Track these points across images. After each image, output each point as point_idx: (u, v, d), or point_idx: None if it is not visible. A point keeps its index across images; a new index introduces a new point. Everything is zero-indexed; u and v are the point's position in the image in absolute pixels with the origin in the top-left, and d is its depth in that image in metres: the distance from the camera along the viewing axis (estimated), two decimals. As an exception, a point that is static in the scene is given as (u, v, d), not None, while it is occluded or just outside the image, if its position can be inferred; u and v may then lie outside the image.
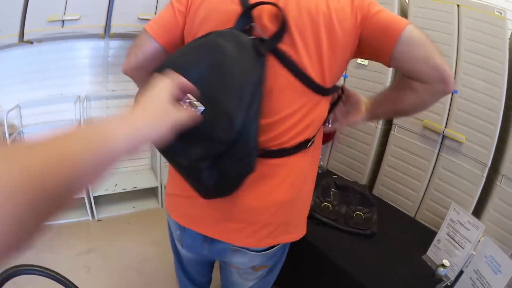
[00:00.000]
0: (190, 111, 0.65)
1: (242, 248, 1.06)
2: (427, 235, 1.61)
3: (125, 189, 2.93)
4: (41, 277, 1.10)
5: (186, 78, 0.66)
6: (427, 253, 1.53)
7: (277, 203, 1.01)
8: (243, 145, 0.82)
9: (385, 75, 1.93)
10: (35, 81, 2.65)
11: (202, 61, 0.82)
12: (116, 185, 2.93)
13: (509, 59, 1.51)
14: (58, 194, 0.41)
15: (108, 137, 0.49)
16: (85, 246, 2.57)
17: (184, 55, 0.85)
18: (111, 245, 2.61)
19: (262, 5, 0.87)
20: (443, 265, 1.39)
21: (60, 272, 2.24)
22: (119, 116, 0.55)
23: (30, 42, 2.45)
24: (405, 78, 0.96)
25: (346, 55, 0.96)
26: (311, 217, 1.68)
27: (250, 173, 0.88)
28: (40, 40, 2.47)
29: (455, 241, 1.43)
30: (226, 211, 1.00)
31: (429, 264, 1.50)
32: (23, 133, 2.73)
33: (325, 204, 1.73)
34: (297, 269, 1.66)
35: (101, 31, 2.46)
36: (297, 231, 1.15)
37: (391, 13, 0.93)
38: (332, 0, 0.90)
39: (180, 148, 0.79)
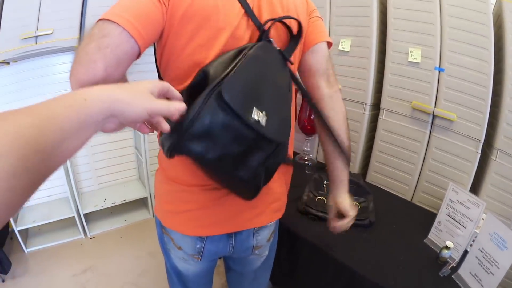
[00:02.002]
0: (170, 104, 0.64)
1: (262, 226, 1.14)
2: (427, 218, 1.56)
3: (115, 202, 2.86)
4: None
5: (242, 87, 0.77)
6: (429, 236, 1.49)
7: (288, 184, 1.21)
8: (285, 144, 0.88)
9: (368, 60, 1.88)
10: (15, 102, 2.56)
11: (253, 70, 0.83)
12: (105, 199, 2.86)
13: (494, 33, 1.47)
14: (49, 153, 0.45)
15: (88, 98, 0.52)
16: (81, 265, 2.50)
17: (238, 72, 0.80)
18: (107, 262, 2.54)
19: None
20: (446, 247, 1.34)
21: None
22: (98, 86, 0.57)
23: (6, 62, 2.38)
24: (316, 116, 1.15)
25: None
26: (306, 213, 1.62)
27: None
28: (15, 60, 2.40)
29: (456, 221, 1.39)
30: (248, 202, 1.01)
31: (432, 247, 1.46)
32: None
33: (319, 198, 1.67)
34: (296, 267, 1.60)
35: (76, 44, 2.39)
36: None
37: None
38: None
39: (239, 162, 0.80)
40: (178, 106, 0.64)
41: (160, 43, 0.88)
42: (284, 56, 0.92)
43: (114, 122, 0.57)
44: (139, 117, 0.58)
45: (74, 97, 0.51)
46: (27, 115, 0.44)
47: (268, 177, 0.88)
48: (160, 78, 0.94)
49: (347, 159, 1.12)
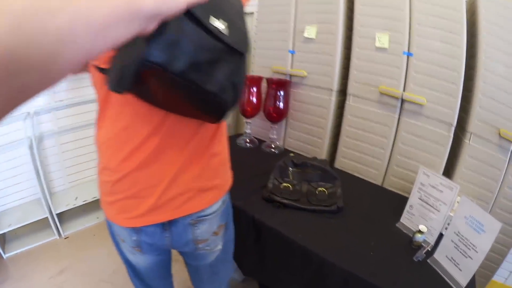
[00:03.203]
0: None
1: (200, 216, 1.04)
2: (399, 202, 1.49)
3: (86, 200, 2.72)
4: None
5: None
6: (401, 220, 1.42)
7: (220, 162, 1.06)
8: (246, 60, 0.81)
9: (334, 46, 1.78)
10: None
11: None
12: (76, 198, 2.71)
13: (468, 19, 1.41)
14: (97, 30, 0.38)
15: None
16: (57, 267, 2.37)
17: None
18: (82, 262, 2.43)
19: None
20: (420, 231, 1.27)
21: None
22: None
23: None
24: None
25: None
26: (270, 201, 1.52)
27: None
28: None
29: (429, 204, 1.32)
30: (174, 186, 0.97)
31: (404, 231, 1.39)
32: None
33: (285, 185, 1.57)
34: (264, 256, 1.49)
35: None
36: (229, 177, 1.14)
37: None
38: None
39: (205, 74, 0.71)
40: None
41: None
42: None
43: (157, 20, 0.52)
44: (179, 10, 0.56)
45: None
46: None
47: (235, 97, 0.79)
48: None
49: None
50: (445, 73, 1.46)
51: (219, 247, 1.15)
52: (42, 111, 2.50)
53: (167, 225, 1.01)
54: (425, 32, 1.49)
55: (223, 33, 0.70)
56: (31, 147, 2.41)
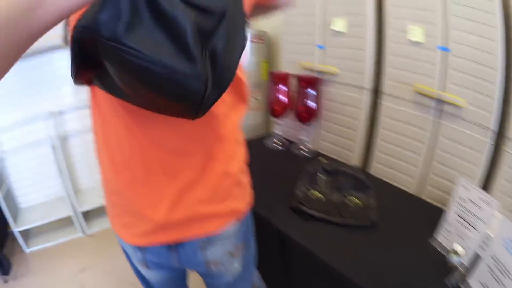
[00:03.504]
0: None
1: (209, 239, 0.94)
2: (434, 214, 1.37)
3: None
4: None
5: None
6: (436, 237, 1.31)
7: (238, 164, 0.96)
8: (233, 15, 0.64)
9: (365, 40, 1.69)
10: (3, 105, 2.53)
11: None
12: (102, 196, 2.76)
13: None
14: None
15: None
16: (79, 264, 2.47)
17: None
18: (105, 261, 2.49)
19: None
20: (455, 252, 1.16)
21: None
22: None
23: None
24: None
25: None
26: (299, 212, 1.44)
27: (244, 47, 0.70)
28: None
29: (465, 221, 1.21)
30: (178, 205, 0.87)
31: (439, 249, 1.28)
32: (3, 159, 2.63)
33: (315, 194, 1.49)
34: (288, 269, 1.44)
35: (60, 42, 2.30)
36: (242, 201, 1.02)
37: None
38: None
39: (171, 44, 0.56)
40: None
41: None
42: None
43: None
44: None
45: None
46: None
47: (217, 73, 0.61)
48: None
49: None
50: (482, 71, 1.33)
51: (236, 266, 1.07)
52: (66, 110, 2.60)
53: (173, 246, 0.94)
54: (461, 24, 1.36)
55: None
56: (54, 146, 2.50)
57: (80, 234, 2.74)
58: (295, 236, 1.34)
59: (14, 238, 2.61)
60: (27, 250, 2.62)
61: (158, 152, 0.83)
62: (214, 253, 0.97)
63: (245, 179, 1.01)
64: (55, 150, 2.51)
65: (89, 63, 0.63)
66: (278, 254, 1.45)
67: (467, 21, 1.34)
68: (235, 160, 0.94)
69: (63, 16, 0.47)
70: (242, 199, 1.00)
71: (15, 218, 2.59)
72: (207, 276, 1.09)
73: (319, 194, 1.49)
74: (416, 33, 1.48)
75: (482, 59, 1.32)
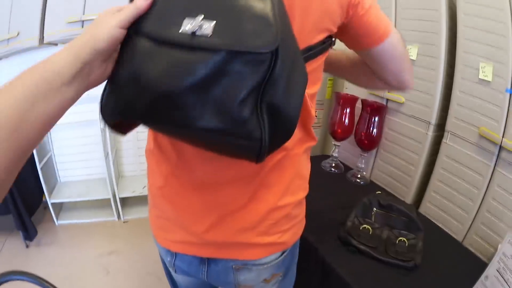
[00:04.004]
0: (134, 2, 0.57)
1: (246, 264, 0.93)
2: (476, 267, 1.36)
3: None
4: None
5: None
6: (473, 290, 1.29)
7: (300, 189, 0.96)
8: (287, 52, 0.56)
9: (436, 72, 1.69)
10: None
11: None
12: (144, 187, 2.91)
13: None
14: (20, 119, 0.45)
15: (47, 58, 0.51)
16: (108, 247, 2.59)
17: None
18: (134, 248, 2.60)
19: None
20: (487, 309, 1.15)
21: (78, 273, 2.29)
22: None
23: (54, 44, 2.54)
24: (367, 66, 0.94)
25: None
26: (347, 244, 1.48)
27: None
28: (63, 42, 2.53)
29: (504, 280, 1.18)
30: (227, 221, 0.88)
31: (472, 305, 1.26)
32: (49, 132, 2.79)
33: (365, 227, 1.51)
34: None
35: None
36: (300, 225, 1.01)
37: (379, 12, 0.86)
38: None
39: (195, 105, 0.54)
40: None
41: None
42: None
43: (97, 64, 0.55)
44: (112, 35, 0.54)
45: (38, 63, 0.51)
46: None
47: (283, 122, 0.58)
48: None
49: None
50: None
51: None
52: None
53: (205, 260, 0.95)
54: None
55: (201, 36, 0.52)
56: (103, 130, 2.67)
57: (114, 218, 2.87)
58: (340, 270, 1.37)
59: (46, 207, 2.80)
60: (57, 223, 2.80)
61: (213, 173, 0.84)
62: (248, 278, 0.96)
63: (299, 212, 0.98)
64: (104, 134, 2.68)
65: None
66: (318, 285, 1.48)
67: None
68: (291, 192, 0.90)
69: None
70: (291, 232, 0.96)
71: (52, 189, 2.79)
72: None
73: (370, 228, 1.51)
74: (486, 71, 1.46)
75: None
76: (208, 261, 0.94)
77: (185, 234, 0.91)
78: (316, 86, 0.88)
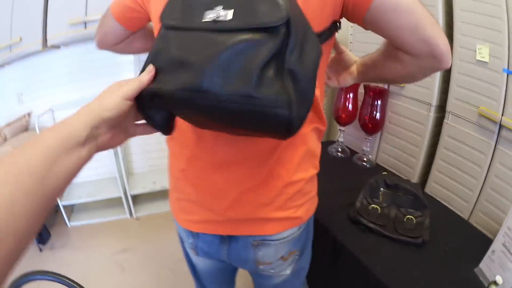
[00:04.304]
0: (138, 77, 0.66)
1: (264, 239, 0.99)
2: (482, 243, 1.41)
3: (164, 186, 2.93)
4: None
5: None
6: (480, 265, 1.33)
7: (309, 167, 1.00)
8: (298, 27, 0.62)
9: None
10: (65, 84, 2.78)
11: None
12: (154, 182, 2.96)
13: None
14: (42, 177, 0.49)
15: (64, 120, 0.57)
16: (121, 245, 2.63)
17: None
18: (147, 244, 2.64)
19: None
20: (495, 283, 1.20)
21: (94, 271, 2.35)
22: None
23: (57, 46, 2.57)
24: (391, 46, 0.85)
25: None
26: (356, 222, 1.55)
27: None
28: (66, 44, 2.58)
29: (510, 253, 1.23)
30: (244, 198, 0.94)
31: (481, 279, 1.30)
32: None
33: (373, 206, 1.58)
34: (337, 282, 1.54)
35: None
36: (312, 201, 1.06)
37: None
38: None
39: (227, 73, 0.60)
40: (146, 72, 0.66)
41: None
42: None
43: (104, 130, 0.62)
44: (117, 105, 0.62)
45: (54, 126, 0.57)
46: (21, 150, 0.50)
47: (302, 89, 0.61)
48: None
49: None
50: None
51: (287, 272, 1.11)
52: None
53: (226, 238, 1.01)
54: None
55: (222, 21, 0.61)
56: None
57: (127, 216, 2.92)
58: (350, 247, 1.44)
59: (58, 210, 2.84)
60: (69, 224, 2.84)
61: (232, 153, 0.90)
62: (266, 254, 1.02)
63: (312, 188, 1.03)
64: None
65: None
66: (330, 263, 1.56)
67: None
68: (303, 169, 0.96)
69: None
70: (305, 207, 1.01)
71: None
72: (255, 274, 1.17)
73: (378, 207, 1.57)
74: (483, 52, 1.50)
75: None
76: (228, 240, 1.01)
77: (206, 213, 0.97)
78: (321, 68, 0.90)
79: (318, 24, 0.80)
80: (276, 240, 1.00)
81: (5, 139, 2.62)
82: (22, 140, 2.57)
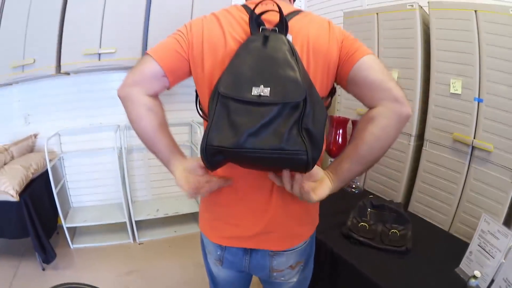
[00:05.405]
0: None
1: (279, 251, 1.22)
2: (461, 248, 1.62)
3: (167, 214, 3.06)
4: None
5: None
6: (460, 265, 1.54)
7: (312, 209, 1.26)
8: (312, 99, 0.90)
9: (413, 91, 2.01)
10: (73, 110, 2.87)
11: (243, 60, 0.95)
12: (157, 210, 3.08)
13: None
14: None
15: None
16: (126, 267, 2.67)
17: (228, 67, 0.96)
18: (153, 267, 2.69)
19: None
20: (474, 276, 1.38)
21: None
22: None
23: (67, 73, 2.62)
24: (362, 119, 1.04)
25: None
26: (348, 237, 1.78)
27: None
28: (78, 72, 2.64)
29: (486, 251, 1.44)
30: (264, 222, 1.17)
31: (462, 276, 1.51)
32: (63, 159, 2.97)
33: (362, 224, 1.81)
34: (335, 286, 1.75)
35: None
36: (313, 222, 1.31)
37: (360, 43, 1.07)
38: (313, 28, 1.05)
39: (262, 131, 0.88)
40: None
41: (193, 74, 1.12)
42: (275, 30, 0.99)
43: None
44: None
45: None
46: None
47: (315, 142, 0.89)
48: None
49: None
50: (510, 118, 1.59)
51: (294, 280, 1.32)
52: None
53: (248, 251, 1.23)
54: (493, 76, 1.64)
55: (264, 96, 0.88)
56: (120, 157, 2.80)
57: (130, 240, 2.99)
58: (345, 256, 1.67)
59: (59, 232, 2.92)
60: (72, 246, 2.88)
61: (262, 183, 1.13)
62: (279, 263, 1.24)
63: (314, 209, 1.29)
64: (120, 160, 2.83)
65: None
66: (328, 274, 1.77)
67: (499, 73, 1.62)
68: None
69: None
70: (310, 224, 1.28)
71: (65, 214, 2.89)
72: (267, 283, 1.38)
73: (366, 225, 1.80)
74: (456, 86, 1.78)
75: (509, 107, 1.59)
76: (250, 252, 1.23)
77: (238, 231, 1.19)
78: None
79: (324, 91, 1.09)
80: (287, 250, 1.23)
81: (12, 157, 2.68)
82: (29, 161, 2.64)
